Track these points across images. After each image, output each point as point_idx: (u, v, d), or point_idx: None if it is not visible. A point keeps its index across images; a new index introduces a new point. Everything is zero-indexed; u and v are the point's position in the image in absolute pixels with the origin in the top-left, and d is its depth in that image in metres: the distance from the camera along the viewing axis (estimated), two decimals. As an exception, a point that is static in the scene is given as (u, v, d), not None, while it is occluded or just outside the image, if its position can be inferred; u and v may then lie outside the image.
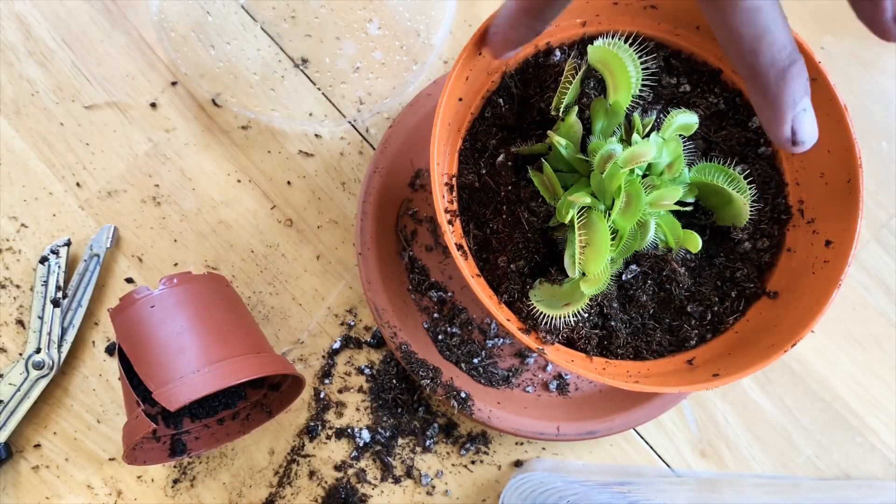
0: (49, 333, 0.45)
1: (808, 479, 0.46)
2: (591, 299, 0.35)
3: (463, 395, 0.44)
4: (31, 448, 0.45)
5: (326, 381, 0.46)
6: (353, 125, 0.49)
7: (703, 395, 0.47)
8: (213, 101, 0.49)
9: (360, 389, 0.46)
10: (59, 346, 0.45)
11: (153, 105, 0.49)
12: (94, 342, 0.46)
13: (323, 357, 0.47)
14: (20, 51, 0.49)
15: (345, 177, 0.48)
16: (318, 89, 0.49)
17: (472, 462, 0.46)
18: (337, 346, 0.47)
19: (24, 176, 0.48)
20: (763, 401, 0.47)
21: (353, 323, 0.47)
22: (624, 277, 0.38)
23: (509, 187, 0.37)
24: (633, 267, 0.38)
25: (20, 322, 0.46)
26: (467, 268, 0.35)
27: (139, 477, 0.45)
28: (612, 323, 0.37)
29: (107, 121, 0.48)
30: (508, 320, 0.35)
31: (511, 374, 0.46)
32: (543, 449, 0.47)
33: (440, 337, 0.46)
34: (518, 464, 0.46)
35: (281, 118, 0.48)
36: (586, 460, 0.47)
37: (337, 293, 0.47)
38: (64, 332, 0.45)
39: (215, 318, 0.41)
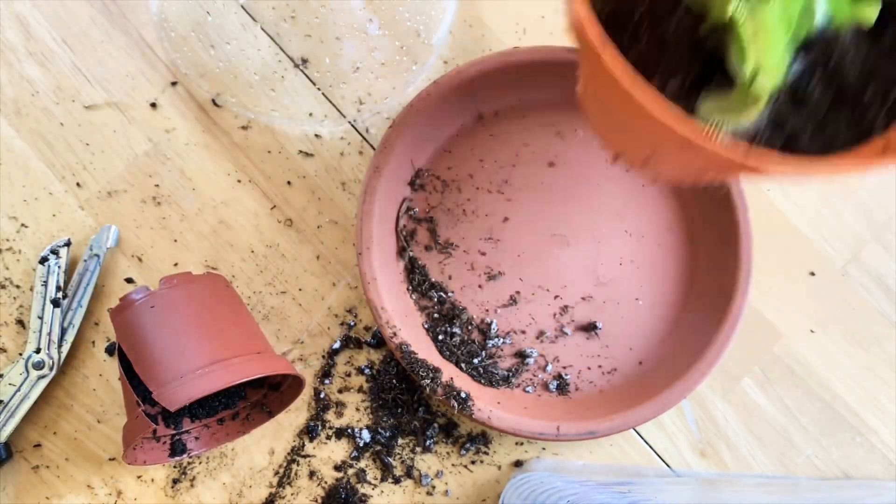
0: (49, 333, 0.45)
1: (808, 478, 0.46)
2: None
3: (463, 395, 0.44)
4: (31, 448, 0.45)
5: (326, 381, 0.46)
6: (353, 125, 0.49)
7: (703, 395, 0.47)
8: (214, 101, 0.49)
9: (360, 389, 0.46)
10: (59, 346, 0.45)
11: (153, 105, 0.49)
12: (94, 342, 0.46)
13: (323, 357, 0.47)
14: (20, 51, 0.49)
15: (345, 177, 0.48)
16: (318, 89, 0.49)
17: (472, 462, 0.46)
18: (337, 346, 0.47)
19: (24, 176, 0.48)
20: (763, 401, 0.47)
21: (353, 323, 0.47)
22: (791, 72, 0.32)
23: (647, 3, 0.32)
24: (800, 59, 0.32)
25: (20, 322, 0.46)
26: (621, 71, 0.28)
27: (139, 477, 0.45)
28: (791, 123, 0.32)
29: (107, 121, 0.48)
30: (694, 133, 0.28)
31: (511, 373, 0.46)
32: (543, 449, 0.47)
33: (440, 337, 0.46)
34: (518, 464, 0.46)
35: (281, 118, 0.48)
36: (586, 460, 0.47)
37: (337, 293, 0.47)
38: (64, 332, 0.45)
39: (215, 318, 0.41)
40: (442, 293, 0.47)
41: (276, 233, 0.48)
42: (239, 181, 0.48)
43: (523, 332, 0.47)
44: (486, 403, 0.44)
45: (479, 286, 0.47)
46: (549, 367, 0.46)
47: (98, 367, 0.46)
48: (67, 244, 0.46)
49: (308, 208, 0.48)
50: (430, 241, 0.47)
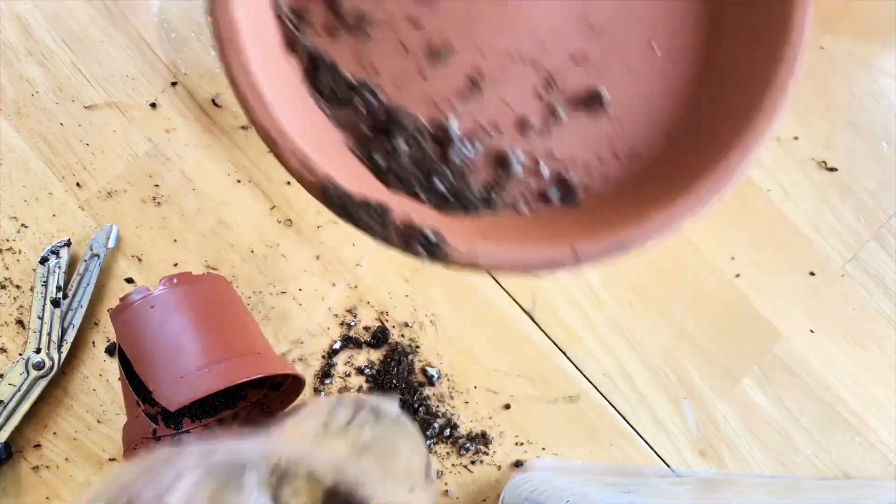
0: (49, 334, 0.45)
1: (808, 478, 0.46)
2: None
3: (429, 233, 0.30)
4: (30, 448, 0.45)
5: (326, 381, 0.46)
6: (353, 125, 0.49)
7: (704, 395, 0.47)
8: (214, 101, 0.49)
9: (360, 389, 0.47)
10: (59, 346, 0.45)
11: (153, 105, 0.49)
12: (94, 342, 0.46)
13: (323, 357, 0.47)
14: (20, 51, 0.49)
15: (345, 177, 0.49)
16: (318, 89, 0.49)
17: (472, 462, 0.46)
18: (337, 346, 0.47)
19: (24, 176, 0.48)
20: (763, 401, 0.47)
21: (353, 323, 0.47)
22: None
23: None
24: None
25: (20, 322, 0.46)
26: None
27: (139, 477, 0.45)
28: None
29: (107, 121, 0.48)
30: None
31: (491, 189, 0.33)
32: (543, 449, 0.47)
33: (378, 159, 0.32)
34: (518, 464, 0.46)
35: (281, 118, 0.48)
36: (586, 460, 0.47)
37: (337, 293, 0.48)
38: (64, 332, 0.45)
39: (215, 318, 0.41)
40: (368, 94, 0.32)
41: (275, 233, 0.48)
42: (239, 181, 0.48)
43: (496, 126, 0.32)
44: (465, 238, 0.30)
45: (420, 73, 0.32)
46: (544, 170, 0.33)
47: (98, 367, 0.46)
48: (67, 244, 0.46)
49: (308, 208, 0.48)
50: (330, 19, 0.33)
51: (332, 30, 0.32)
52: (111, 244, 0.46)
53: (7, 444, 0.44)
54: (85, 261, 0.46)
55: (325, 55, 0.32)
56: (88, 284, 0.45)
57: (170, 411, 0.43)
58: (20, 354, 0.46)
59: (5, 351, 0.46)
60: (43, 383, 0.44)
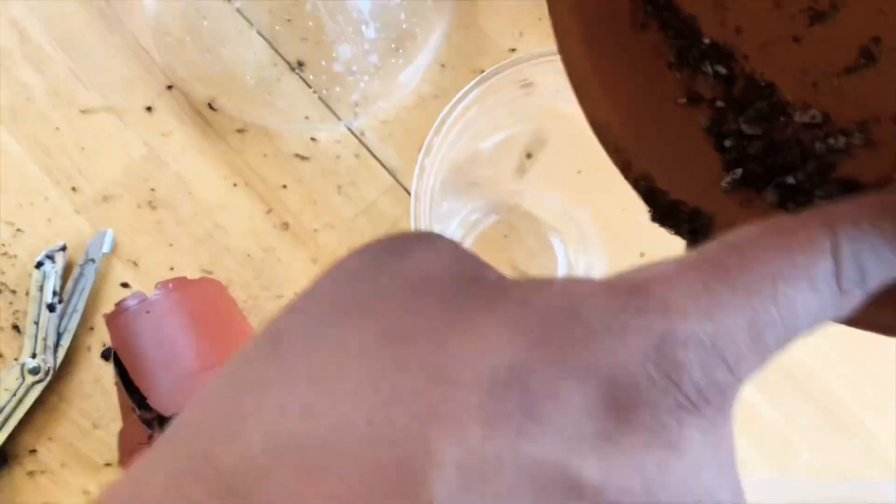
0: (44, 338, 0.44)
1: (806, 480, 0.46)
2: None
3: None
4: (26, 454, 0.45)
5: (323, 385, 0.46)
6: (349, 128, 0.49)
7: (702, 398, 0.47)
8: (210, 104, 0.49)
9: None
10: (55, 351, 0.45)
11: (149, 109, 0.49)
12: (89, 347, 0.46)
13: (319, 361, 0.47)
14: (16, 55, 0.49)
15: (341, 180, 0.48)
16: (314, 93, 0.49)
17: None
18: (333, 350, 0.47)
19: (19, 180, 0.48)
20: (761, 403, 0.47)
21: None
22: None
23: None
24: None
25: (16, 327, 0.46)
26: None
27: (135, 482, 0.45)
28: None
29: (102, 125, 0.48)
30: None
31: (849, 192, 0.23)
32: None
33: (727, 143, 0.24)
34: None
35: (277, 122, 0.48)
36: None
37: (333, 297, 0.47)
38: (59, 337, 0.45)
39: (211, 323, 0.41)
40: (726, 63, 0.24)
41: (271, 237, 0.48)
42: (235, 185, 0.48)
43: (876, 117, 0.22)
44: None
45: (795, 38, 0.23)
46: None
47: (94, 372, 0.46)
48: (63, 249, 0.46)
49: (304, 212, 0.48)
50: None
51: None
52: (106, 249, 0.46)
53: (2, 449, 0.44)
54: (80, 265, 0.46)
55: (681, 8, 0.24)
56: (84, 289, 0.45)
57: (165, 416, 0.43)
58: (15, 359, 0.46)
59: (1, 356, 0.46)
60: (39, 388, 0.44)
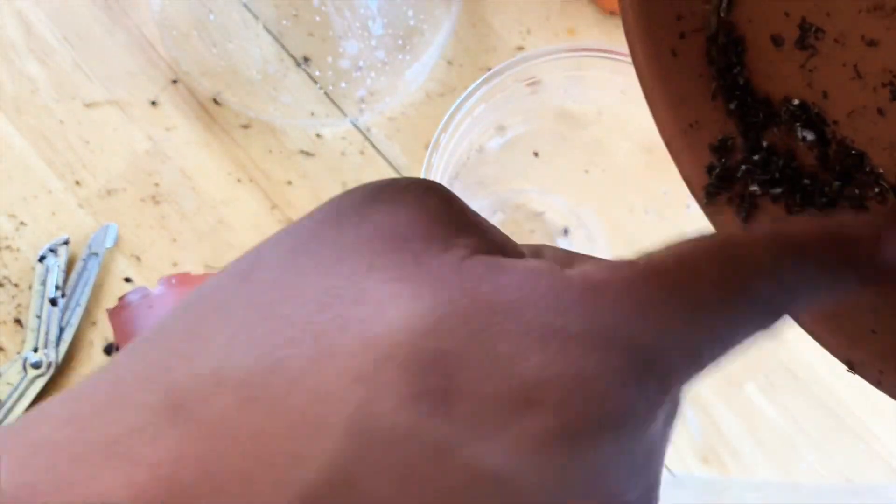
0: (47, 333, 0.44)
1: (810, 483, 0.46)
2: None
3: None
4: (27, 448, 0.45)
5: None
6: (354, 125, 0.49)
7: (707, 400, 0.47)
8: (214, 99, 0.48)
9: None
10: (57, 345, 0.44)
11: (154, 103, 0.48)
12: (92, 342, 0.46)
13: (322, 359, 0.46)
14: (21, 48, 0.49)
15: (346, 177, 0.48)
16: (320, 88, 0.49)
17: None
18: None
19: (23, 174, 0.47)
20: (767, 407, 0.47)
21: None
22: None
23: None
24: None
25: (18, 321, 0.46)
26: None
27: (136, 478, 0.45)
28: None
29: (107, 119, 0.48)
30: None
31: None
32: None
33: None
34: (518, 468, 0.46)
35: (282, 117, 0.48)
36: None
37: (337, 294, 0.47)
38: (62, 331, 0.45)
39: (214, 318, 0.41)
40: (816, 127, 0.23)
41: (276, 233, 0.47)
42: (239, 180, 0.48)
43: None
44: None
45: (879, 110, 0.21)
46: None
47: (96, 366, 0.46)
48: (66, 243, 0.46)
49: (308, 208, 0.47)
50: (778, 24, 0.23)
51: (775, 39, 0.23)
52: (110, 243, 0.46)
53: (4, 443, 0.44)
54: (83, 260, 0.45)
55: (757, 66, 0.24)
56: (87, 283, 0.45)
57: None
58: (18, 353, 0.45)
59: (3, 350, 0.46)
60: (40, 382, 0.44)
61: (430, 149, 0.43)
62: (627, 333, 0.14)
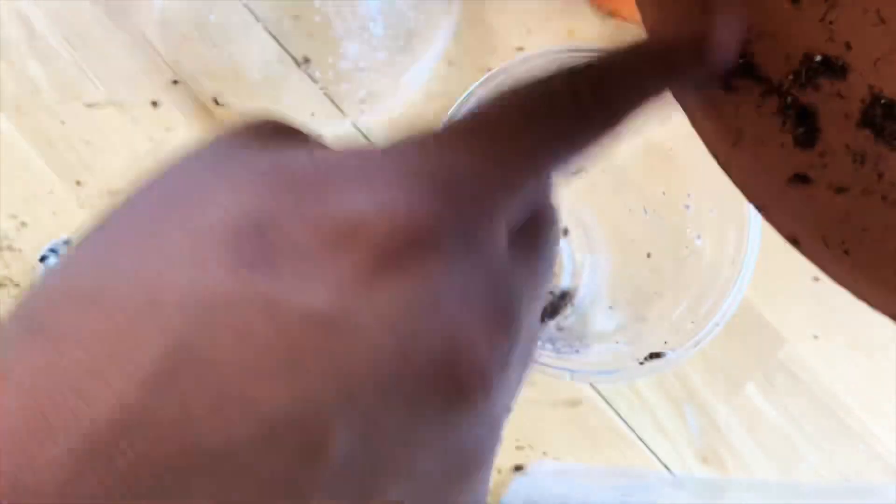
0: (48, 333, 0.44)
1: (810, 484, 0.46)
2: None
3: None
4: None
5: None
6: (355, 125, 0.49)
7: (706, 401, 0.47)
8: (215, 100, 0.49)
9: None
10: (58, 345, 0.45)
11: (155, 104, 0.49)
12: (93, 342, 0.46)
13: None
14: (22, 48, 0.49)
15: (346, 177, 0.48)
16: (321, 89, 0.49)
17: (472, 466, 0.46)
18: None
19: (24, 174, 0.48)
20: (766, 407, 0.47)
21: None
22: None
23: None
24: None
25: (19, 321, 0.46)
26: None
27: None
28: None
29: (108, 119, 0.48)
30: None
31: None
32: (544, 453, 0.46)
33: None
34: (518, 468, 0.46)
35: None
36: (587, 465, 0.46)
37: (337, 294, 0.47)
38: (63, 331, 0.45)
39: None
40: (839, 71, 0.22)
41: (276, 233, 0.48)
42: (240, 181, 0.48)
43: None
44: None
45: None
46: None
47: (97, 366, 0.46)
48: (67, 243, 0.46)
49: (309, 209, 0.48)
50: None
51: None
52: (111, 243, 0.46)
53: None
54: (84, 260, 0.45)
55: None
56: (88, 284, 0.45)
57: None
58: (19, 353, 0.46)
59: (4, 350, 0.46)
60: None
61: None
62: (430, 167, 0.15)
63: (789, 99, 0.23)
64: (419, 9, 0.49)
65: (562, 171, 0.18)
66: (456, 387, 0.14)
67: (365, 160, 0.15)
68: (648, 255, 0.45)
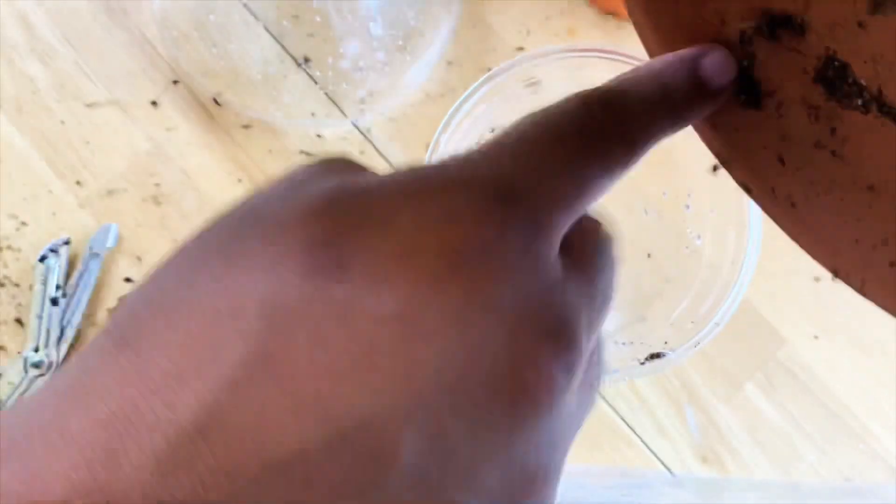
0: (48, 332, 0.44)
1: (810, 483, 0.46)
2: None
3: None
4: (28, 447, 0.45)
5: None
6: (355, 125, 0.49)
7: (706, 400, 0.47)
8: (215, 100, 0.49)
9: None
10: (58, 345, 0.45)
11: (154, 104, 0.48)
12: (92, 342, 0.46)
13: (323, 358, 0.47)
14: (22, 48, 0.49)
15: (346, 177, 0.48)
16: (321, 89, 0.49)
17: (472, 466, 0.46)
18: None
19: (24, 174, 0.48)
20: (766, 407, 0.47)
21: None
22: None
23: None
24: None
25: (19, 321, 0.46)
26: None
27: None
28: None
29: (108, 119, 0.48)
30: None
31: None
32: (544, 453, 0.46)
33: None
34: (518, 468, 0.46)
35: (283, 118, 0.48)
36: (587, 464, 0.46)
37: (337, 294, 0.47)
38: (63, 331, 0.45)
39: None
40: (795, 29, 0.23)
41: (276, 233, 0.48)
42: (240, 180, 0.48)
43: None
44: None
45: (859, 23, 0.22)
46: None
47: (97, 366, 0.46)
48: (67, 243, 0.46)
49: (309, 209, 0.48)
50: None
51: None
52: (111, 243, 0.46)
53: (5, 443, 0.44)
54: (84, 260, 0.45)
55: None
56: (88, 284, 0.45)
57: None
58: (19, 353, 0.45)
59: (4, 349, 0.46)
60: (41, 382, 0.44)
61: (430, 149, 0.43)
62: (486, 176, 0.15)
63: (750, 50, 0.24)
64: (419, 9, 0.49)
65: (596, 191, 0.18)
66: (522, 394, 0.14)
67: (422, 176, 0.16)
68: (648, 255, 0.45)
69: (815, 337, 0.47)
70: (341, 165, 0.17)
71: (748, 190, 0.25)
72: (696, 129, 0.25)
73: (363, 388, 0.13)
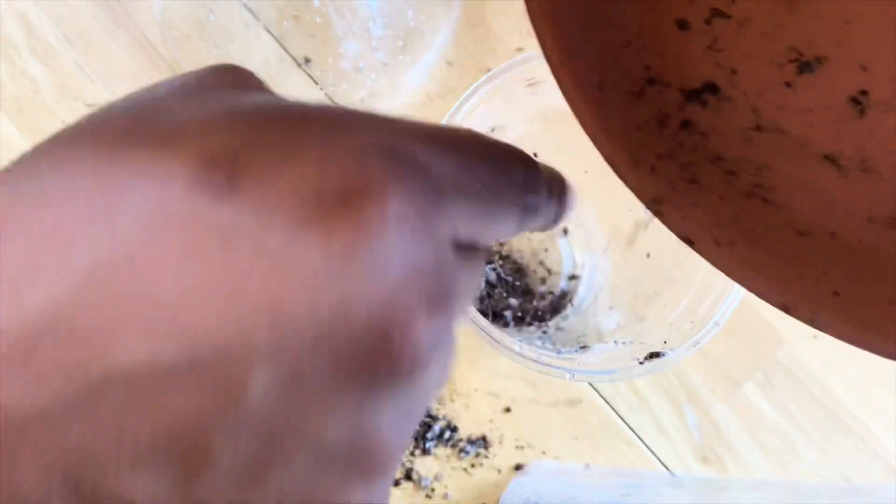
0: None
1: (809, 483, 0.46)
2: None
3: None
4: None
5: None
6: (355, 126, 0.49)
7: (706, 400, 0.47)
8: (215, 100, 0.49)
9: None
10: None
11: (155, 104, 0.49)
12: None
13: (323, 358, 0.47)
14: (22, 48, 0.49)
15: (346, 177, 0.48)
16: (321, 89, 0.49)
17: (472, 465, 0.46)
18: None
19: (24, 174, 0.48)
20: (766, 407, 0.47)
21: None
22: None
23: None
24: None
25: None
26: None
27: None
28: None
29: (108, 119, 0.48)
30: None
31: None
32: (544, 453, 0.46)
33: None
34: (518, 467, 0.46)
35: (283, 118, 0.48)
36: (587, 464, 0.46)
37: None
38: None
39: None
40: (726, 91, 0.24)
41: (276, 233, 0.48)
42: (240, 181, 0.48)
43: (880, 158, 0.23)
44: None
45: (787, 83, 0.23)
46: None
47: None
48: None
49: (309, 209, 0.48)
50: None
51: (681, 23, 0.24)
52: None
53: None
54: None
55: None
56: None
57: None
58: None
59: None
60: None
61: (430, 149, 0.43)
62: (412, 141, 0.15)
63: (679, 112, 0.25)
64: (419, 9, 0.49)
65: (505, 227, 0.18)
66: (388, 357, 0.13)
67: (345, 116, 0.15)
68: (648, 255, 0.45)
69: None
70: (241, 77, 0.17)
71: (690, 243, 0.24)
72: (611, 165, 0.26)
73: (226, 316, 0.12)
